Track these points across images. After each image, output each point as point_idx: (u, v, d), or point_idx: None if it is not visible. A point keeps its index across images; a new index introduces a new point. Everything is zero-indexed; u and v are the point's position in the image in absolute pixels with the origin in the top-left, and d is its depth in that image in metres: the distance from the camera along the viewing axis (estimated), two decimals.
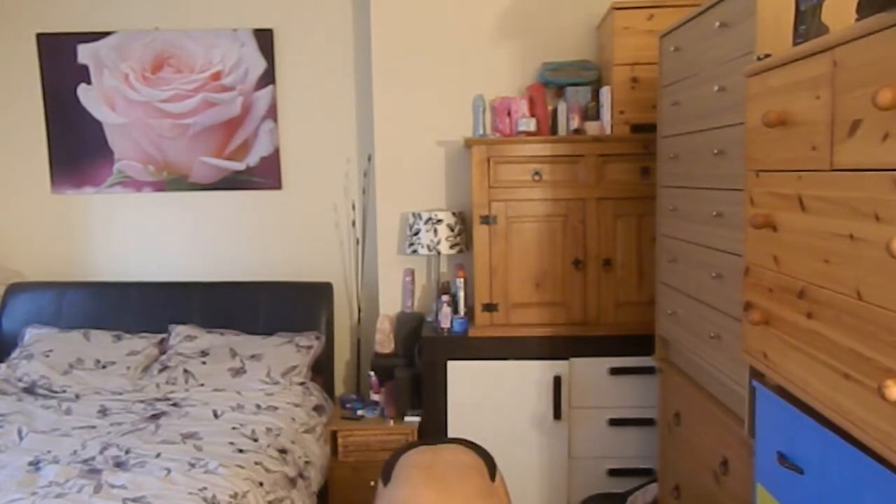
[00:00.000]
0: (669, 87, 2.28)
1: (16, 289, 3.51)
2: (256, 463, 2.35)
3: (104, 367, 3.11)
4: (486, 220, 2.88)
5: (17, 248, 3.67)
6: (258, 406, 2.81)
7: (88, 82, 3.53)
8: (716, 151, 1.89)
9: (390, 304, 3.35)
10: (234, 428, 2.58)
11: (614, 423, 2.88)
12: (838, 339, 1.24)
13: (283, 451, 2.53)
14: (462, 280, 3.05)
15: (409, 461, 2.01)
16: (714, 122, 1.91)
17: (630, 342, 2.82)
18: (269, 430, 2.61)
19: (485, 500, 1.80)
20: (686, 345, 2.19)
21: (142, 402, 2.86)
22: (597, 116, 3.00)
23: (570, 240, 2.87)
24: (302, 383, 3.06)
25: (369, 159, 3.49)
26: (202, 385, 2.99)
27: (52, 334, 3.30)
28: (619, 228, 2.87)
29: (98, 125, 3.55)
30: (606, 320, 2.88)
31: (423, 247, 3.10)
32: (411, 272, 3.30)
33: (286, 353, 3.14)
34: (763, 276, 1.56)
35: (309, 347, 3.21)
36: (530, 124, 2.95)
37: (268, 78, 3.49)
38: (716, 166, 1.91)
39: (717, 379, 2.01)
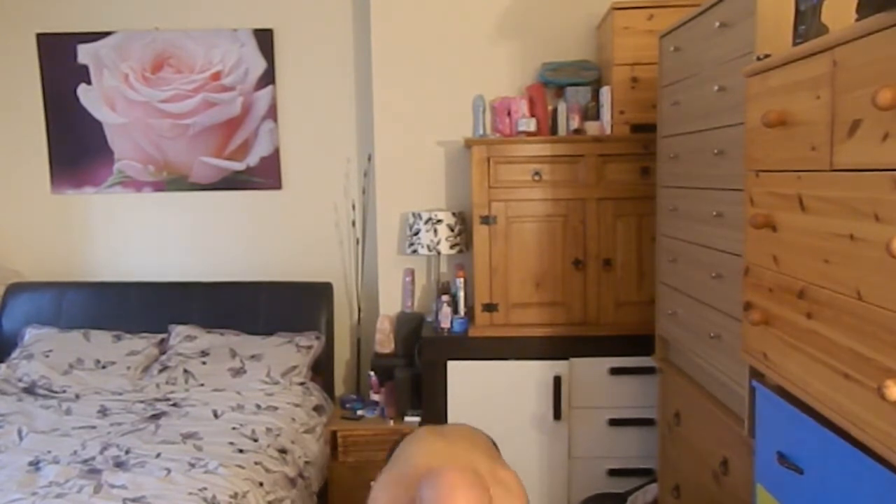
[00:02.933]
0: (669, 87, 2.28)
1: (16, 289, 3.51)
2: (256, 463, 2.35)
3: (104, 367, 3.11)
4: (486, 220, 2.88)
5: (17, 248, 3.67)
6: (258, 406, 2.81)
7: (88, 82, 3.53)
8: (716, 151, 1.89)
9: (390, 304, 3.35)
10: (234, 428, 2.58)
11: (614, 423, 2.88)
12: (838, 339, 1.24)
13: (283, 451, 2.54)
14: (462, 280, 3.05)
15: (415, 433, 2.04)
16: (714, 122, 1.91)
17: (630, 342, 2.82)
18: (269, 430, 2.61)
19: (493, 460, 1.83)
20: (686, 345, 2.19)
21: (142, 402, 2.86)
22: (597, 116, 3.00)
23: (570, 240, 2.87)
24: (302, 383, 3.06)
25: (369, 159, 3.49)
26: (202, 385, 2.99)
27: (52, 334, 3.30)
28: (619, 228, 2.87)
29: (98, 125, 3.55)
30: (606, 320, 2.88)
31: (423, 247, 3.10)
32: (411, 272, 3.30)
33: (286, 353, 3.14)
34: (763, 276, 1.56)
35: (309, 347, 3.21)
36: (530, 124, 2.95)
37: (268, 78, 3.49)
38: (716, 166, 1.91)
39: (717, 379, 2.01)
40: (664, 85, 2.34)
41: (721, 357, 1.91)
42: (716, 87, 1.87)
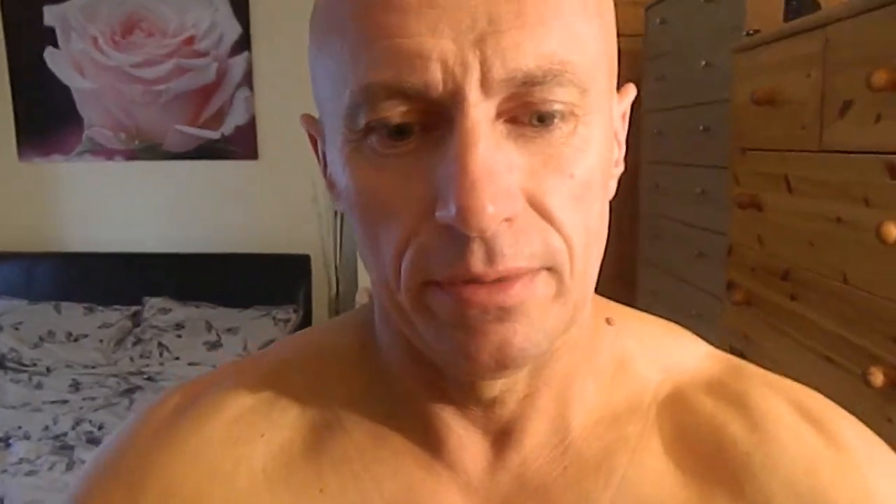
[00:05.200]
0: (654, 61, 2.25)
1: None
2: None
3: (76, 339, 3.05)
4: None
5: None
6: None
7: (56, 46, 3.40)
8: (701, 128, 1.86)
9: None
10: None
11: None
12: (822, 322, 1.23)
13: None
14: None
15: None
16: (700, 98, 1.88)
17: None
18: None
19: None
20: None
21: (115, 376, 2.81)
22: None
23: None
24: None
25: None
26: (177, 359, 2.94)
27: (22, 306, 3.21)
28: None
29: (66, 91, 3.42)
30: None
31: None
32: None
33: (263, 326, 3.10)
34: (747, 255, 1.55)
35: (287, 321, 3.17)
36: None
37: (243, 44, 3.38)
38: (701, 143, 1.88)
39: None
40: (649, 58, 2.30)
41: (701, 336, 1.91)
42: (703, 63, 1.84)
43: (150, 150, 3.47)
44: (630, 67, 2.74)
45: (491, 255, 0.35)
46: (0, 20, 3.38)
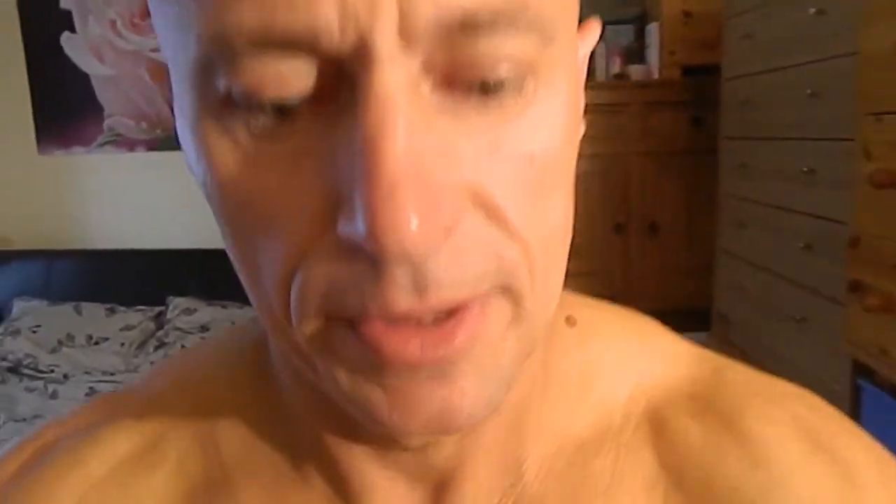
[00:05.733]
0: (739, 18, 1.91)
1: (2, 257, 3.26)
2: None
3: (96, 343, 2.86)
4: None
5: (4, 214, 3.40)
6: None
7: (73, 30, 3.20)
8: (809, 92, 1.53)
9: None
10: None
11: None
12: None
13: None
14: None
15: None
16: (807, 56, 1.55)
17: (679, 316, 2.50)
18: None
19: None
20: (758, 326, 1.86)
21: None
22: (642, 59, 2.63)
23: (610, 201, 2.54)
24: None
25: None
26: None
27: (41, 308, 3.04)
28: (666, 187, 2.52)
29: (85, 78, 3.23)
30: (651, 292, 2.56)
31: None
32: None
33: None
34: (883, 250, 1.22)
35: None
36: None
37: None
38: (807, 111, 1.55)
39: (802, 370, 1.68)
40: (731, 16, 1.96)
41: (807, 344, 1.59)
42: (812, 10, 1.51)
43: (174, 140, 3.24)
44: (705, 29, 2.41)
45: (421, 284, 0.23)
46: (15, 4, 3.19)
